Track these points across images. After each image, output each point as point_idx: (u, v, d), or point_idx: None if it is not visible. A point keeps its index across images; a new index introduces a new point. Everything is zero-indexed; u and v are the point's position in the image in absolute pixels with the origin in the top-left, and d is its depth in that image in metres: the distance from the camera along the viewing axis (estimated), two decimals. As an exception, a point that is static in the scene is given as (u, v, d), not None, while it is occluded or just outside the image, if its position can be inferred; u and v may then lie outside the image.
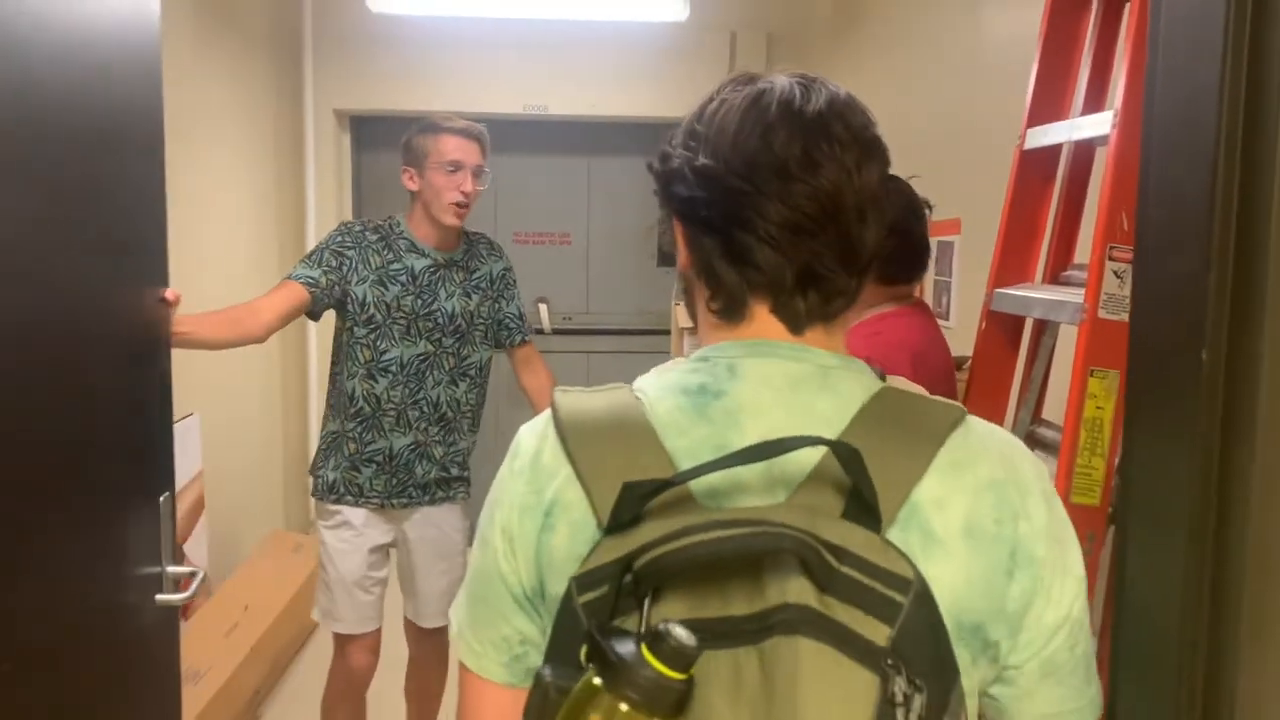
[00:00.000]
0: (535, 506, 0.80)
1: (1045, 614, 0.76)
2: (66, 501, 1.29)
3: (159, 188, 1.58)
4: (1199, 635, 0.70)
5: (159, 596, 1.54)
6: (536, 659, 0.81)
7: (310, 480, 2.57)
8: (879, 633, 0.66)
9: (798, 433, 0.73)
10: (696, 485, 0.73)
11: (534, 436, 0.84)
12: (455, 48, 4.58)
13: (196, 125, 3.56)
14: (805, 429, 0.76)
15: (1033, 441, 1.83)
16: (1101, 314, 1.51)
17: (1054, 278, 1.89)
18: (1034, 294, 1.80)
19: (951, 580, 0.74)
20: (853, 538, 0.69)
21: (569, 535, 0.77)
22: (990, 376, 1.94)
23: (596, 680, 0.65)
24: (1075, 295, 1.62)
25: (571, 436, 0.79)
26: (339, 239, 2.44)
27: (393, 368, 2.44)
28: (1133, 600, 0.78)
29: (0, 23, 1.10)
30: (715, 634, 0.65)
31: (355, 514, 2.51)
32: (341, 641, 2.58)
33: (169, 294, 1.65)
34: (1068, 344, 1.66)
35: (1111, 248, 1.49)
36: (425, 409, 2.48)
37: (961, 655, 0.74)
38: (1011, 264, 1.90)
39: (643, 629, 0.66)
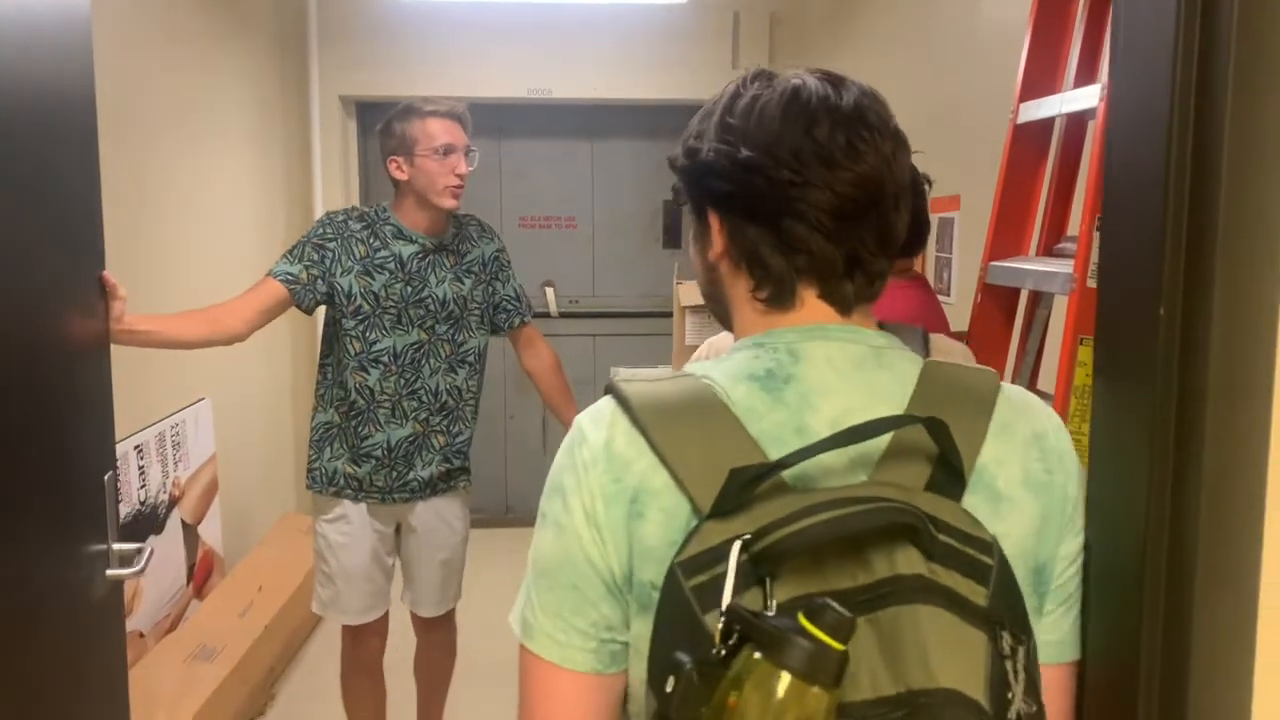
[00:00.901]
0: (619, 494, 0.80)
1: (1069, 544, 0.83)
2: (11, 483, 1.31)
3: (92, 173, 1.58)
4: (1159, 578, 0.73)
5: (109, 572, 1.57)
6: (620, 645, 0.82)
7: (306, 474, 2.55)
8: (978, 594, 0.71)
9: (868, 411, 0.79)
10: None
11: (600, 425, 0.84)
12: (459, 32, 4.60)
13: (201, 113, 3.60)
14: (873, 407, 0.80)
15: (1027, 412, 1.86)
16: (1090, 283, 1.53)
17: (1048, 250, 1.91)
18: (1027, 266, 1.82)
19: (1022, 532, 0.80)
20: (942, 508, 0.74)
21: (663, 522, 0.78)
22: (986, 348, 1.96)
23: (756, 655, 0.66)
24: (1066, 266, 1.64)
25: (652, 424, 0.80)
26: (320, 231, 2.39)
27: (384, 358, 2.39)
28: (1100, 542, 0.81)
29: None
30: None
31: (355, 510, 2.48)
32: (349, 630, 2.60)
33: (105, 275, 1.67)
34: (1062, 315, 1.69)
35: (1100, 219, 1.51)
36: (425, 398, 2.44)
37: (1031, 603, 0.79)
38: (1006, 237, 1.93)
39: (769, 607, 0.69)
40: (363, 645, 2.62)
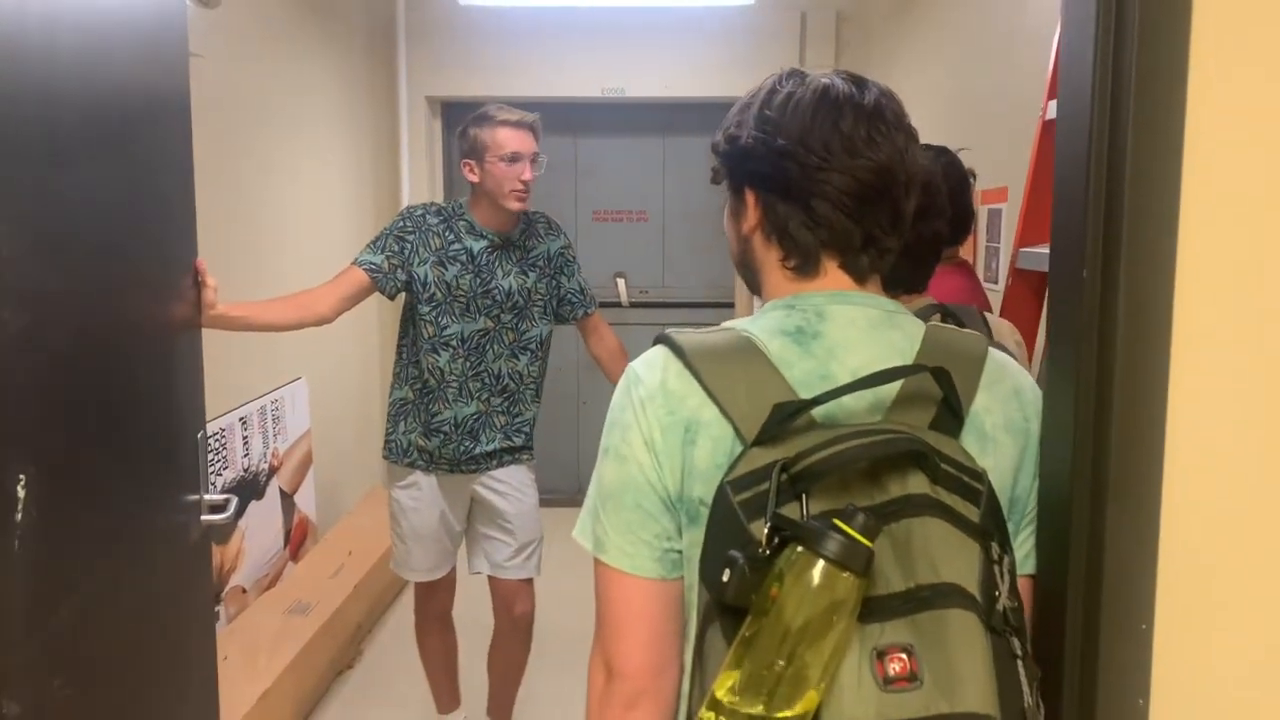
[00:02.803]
0: (673, 425, 0.94)
1: (1033, 479, 1.00)
2: (125, 442, 1.51)
3: (187, 169, 1.77)
4: (1084, 493, 0.90)
5: (204, 517, 1.78)
6: (677, 553, 0.97)
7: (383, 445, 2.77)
8: (972, 512, 0.86)
9: (883, 363, 0.93)
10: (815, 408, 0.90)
11: (654, 369, 0.98)
12: (538, 35, 4.84)
13: (296, 111, 3.89)
14: (887, 360, 0.94)
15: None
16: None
17: (1076, 238, 2.04)
18: (1053, 252, 1.96)
19: (1003, 468, 0.97)
20: (943, 443, 0.89)
21: (711, 448, 0.93)
22: (1017, 328, 2.10)
23: (799, 549, 0.81)
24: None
25: (703, 367, 0.94)
26: (401, 224, 2.62)
27: (453, 342, 2.60)
28: (1046, 470, 0.99)
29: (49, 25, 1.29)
30: None
31: (426, 479, 2.71)
32: (420, 585, 2.85)
33: (199, 262, 1.88)
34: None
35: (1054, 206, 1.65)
36: (487, 380, 2.64)
37: (1008, 527, 0.95)
38: (1035, 225, 2.07)
39: (805, 517, 0.83)
40: (433, 598, 2.86)
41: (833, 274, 1.01)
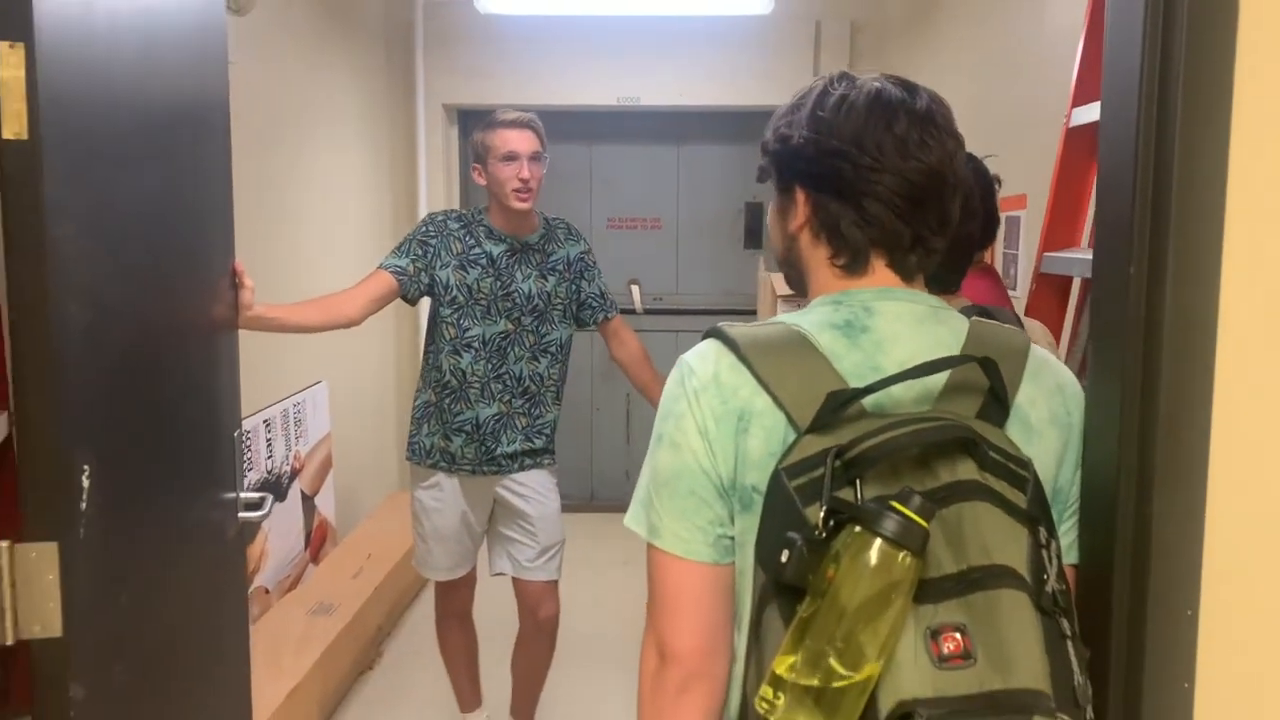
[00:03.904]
0: (727, 414, 0.97)
1: (1075, 471, 1.04)
2: (170, 440, 1.55)
3: (226, 173, 1.81)
4: (1130, 487, 0.93)
5: (240, 514, 1.82)
6: (729, 540, 1.00)
7: (407, 446, 2.82)
8: (1019, 499, 0.89)
9: (929, 356, 0.95)
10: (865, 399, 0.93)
11: (706, 360, 1.02)
12: (555, 44, 4.88)
13: (318, 116, 3.93)
14: (934, 353, 0.97)
15: (1077, 390, 2.03)
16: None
17: (1099, 243, 2.08)
18: (1078, 255, 1.99)
19: (1046, 459, 1.00)
20: (990, 432, 0.92)
21: (764, 437, 0.96)
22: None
23: (856, 529, 0.84)
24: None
25: (755, 359, 0.97)
26: (424, 229, 2.69)
27: (475, 344, 2.66)
28: (1091, 459, 1.01)
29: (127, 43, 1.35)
30: None
31: (449, 480, 2.76)
32: (440, 584, 2.89)
33: (237, 264, 1.92)
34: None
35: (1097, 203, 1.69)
36: (509, 382, 2.69)
37: (1055, 518, 0.98)
38: (1059, 230, 2.10)
39: (859, 501, 0.86)
40: (454, 597, 2.91)
41: (880, 272, 1.05)
